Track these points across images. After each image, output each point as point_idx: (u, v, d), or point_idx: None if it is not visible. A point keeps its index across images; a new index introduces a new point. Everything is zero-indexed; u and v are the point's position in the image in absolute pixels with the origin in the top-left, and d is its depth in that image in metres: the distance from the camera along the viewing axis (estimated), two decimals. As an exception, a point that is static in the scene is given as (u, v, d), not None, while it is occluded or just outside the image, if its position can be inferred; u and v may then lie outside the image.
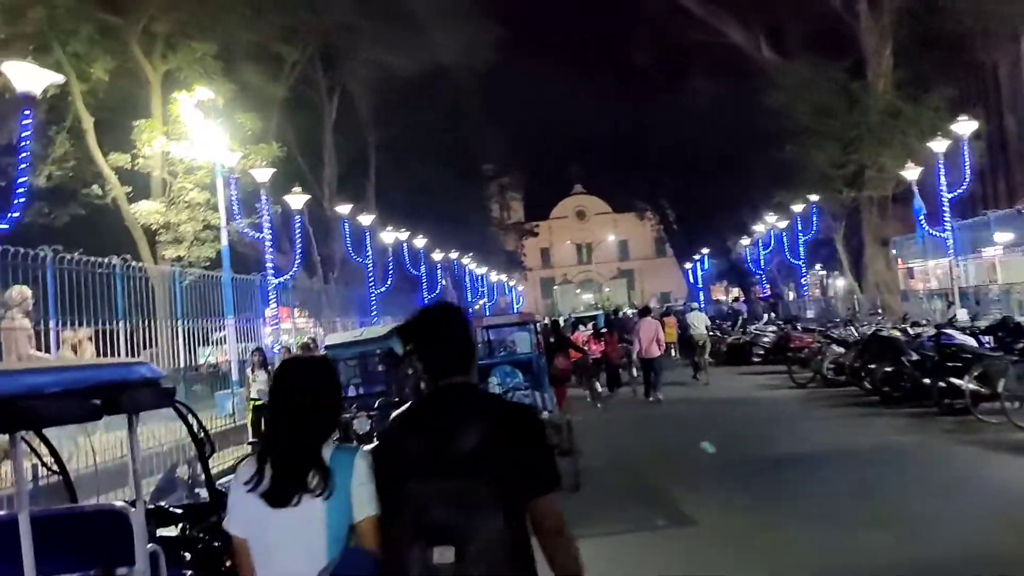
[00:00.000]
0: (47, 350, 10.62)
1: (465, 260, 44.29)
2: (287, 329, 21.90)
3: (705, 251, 53.28)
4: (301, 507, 2.47)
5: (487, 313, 40.14)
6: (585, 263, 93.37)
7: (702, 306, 41.80)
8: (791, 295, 41.10)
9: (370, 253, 25.73)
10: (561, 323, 23.59)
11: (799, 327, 23.59)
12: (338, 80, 26.82)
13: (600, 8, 36.25)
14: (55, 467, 4.93)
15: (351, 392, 11.36)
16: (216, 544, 4.65)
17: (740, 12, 30.51)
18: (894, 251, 28.48)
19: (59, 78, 8.69)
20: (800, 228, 32.53)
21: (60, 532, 3.87)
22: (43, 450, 4.93)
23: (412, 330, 2.69)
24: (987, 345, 12.53)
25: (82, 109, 17.26)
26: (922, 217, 21.69)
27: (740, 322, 30.07)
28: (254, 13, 19.10)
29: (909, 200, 28.96)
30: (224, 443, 12.48)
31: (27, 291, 10.19)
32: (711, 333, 23.43)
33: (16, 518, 2.99)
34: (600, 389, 18.72)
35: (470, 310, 40.40)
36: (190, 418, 4.91)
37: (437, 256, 36.88)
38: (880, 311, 25.36)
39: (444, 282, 38.50)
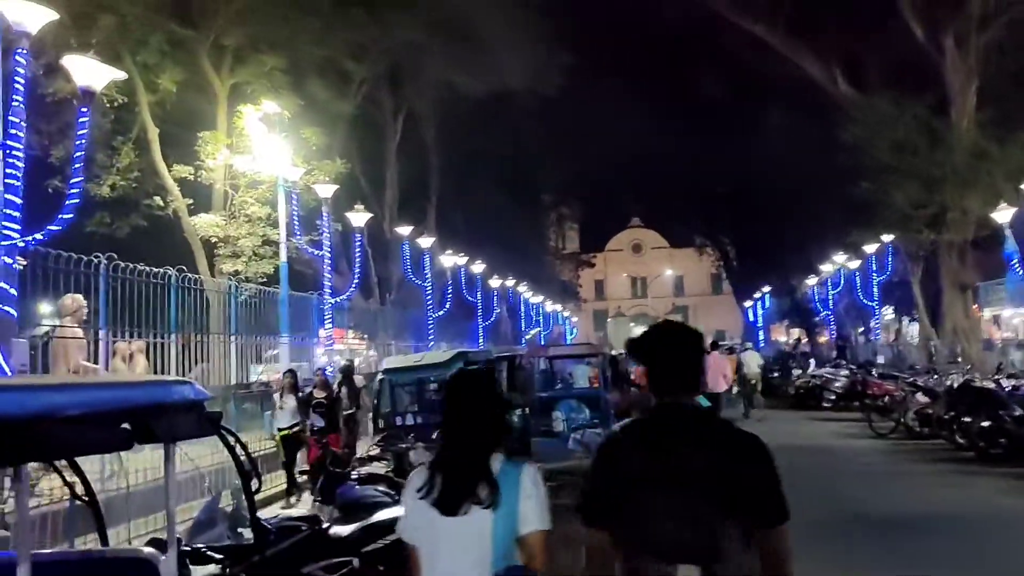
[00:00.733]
0: (98, 362, 10.22)
1: (521, 288, 43.65)
2: (340, 350, 21.48)
3: (767, 289, 51.86)
4: (469, 517, 2.53)
5: (541, 343, 39.37)
6: (639, 297, 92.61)
7: (759, 345, 41.22)
8: (860, 339, 39.49)
9: (428, 276, 25.24)
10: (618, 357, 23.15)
11: (874, 372, 22.32)
12: (404, 101, 26.55)
13: (672, 37, 35.46)
14: (83, 494, 4.33)
15: (409, 420, 10.71)
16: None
17: (817, 45, 29.56)
18: (979, 299, 26.99)
19: (120, 74, 8.33)
20: (874, 269, 31.16)
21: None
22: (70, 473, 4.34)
23: (646, 345, 2.67)
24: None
25: (148, 119, 17.14)
26: (1015, 261, 20.36)
27: (808, 364, 28.87)
28: (324, 28, 18.87)
29: (990, 245, 27.68)
30: (272, 466, 11.91)
31: (81, 299, 9.77)
32: (772, 374, 24.19)
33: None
34: None
35: (524, 339, 39.68)
36: (237, 448, 4.28)
37: (494, 283, 36.30)
38: (959, 359, 23.97)
39: (499, 310, 37.87)
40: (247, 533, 4.88)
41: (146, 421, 2.99)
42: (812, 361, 29.74)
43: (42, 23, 7.23)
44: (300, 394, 11.88)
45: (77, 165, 8.71)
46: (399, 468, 9.28)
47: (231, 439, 4.19)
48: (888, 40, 27.56)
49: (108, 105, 16.44)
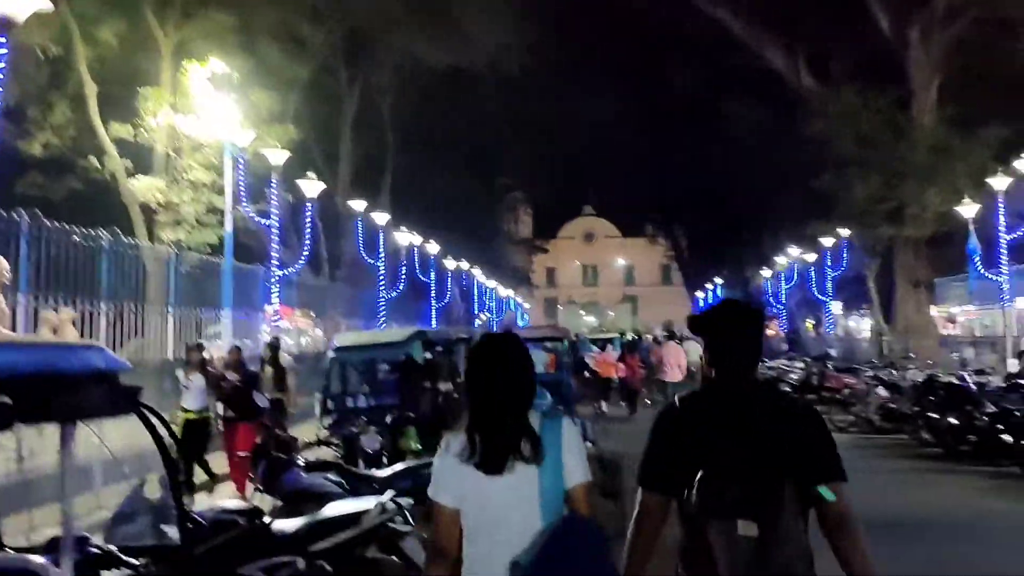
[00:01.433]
0: (18, 331, 9.26)
1: (475, 271, 42.92)
2: (287, 329, 20.58)
3: (719, 281, 51.96)
4: (516, 474, 2.56)
5: (492, 327, 38.75)
6: (590, 285, 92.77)
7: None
8: (811, 332, 39.66)
9: (382, 254, 24.34)
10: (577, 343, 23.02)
11: (830, 366, 22.13)
12: (361, 72, 25.51)
13: (637, 25, 34.97)
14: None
15: (361, 403, 9.97)
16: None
17: (782, 37, 29.34)
18: (936, 295, 27.11)
19: (46, 5, 7.32)
20: (829, 263, 31.14)
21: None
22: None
23: (712, 321, 2.78)
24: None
25: (86, 74, 15.96)
26: (977, 258, 20.29)
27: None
28: (278, -13, 17.85)
29: (947, 242, 27.80)
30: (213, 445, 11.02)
31: (3, 262, 8.83)
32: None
33: None
34: (606, 410, 19.67)
35: (475, 323, 39.02)
36: (161, 430, 3.54)
37: (449, 264, 35.52)
38: (912, 355, 23.99)
39: (452, 292, 37.13)
40: (173, 532, 4.15)
41: (35, 394, 2.29)
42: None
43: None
44: (211, 369, 10.19)
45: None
46: (350, 454, 8.56)
47: (154, 419, 3.44)
48: (853, 33, 27.43)
49: (43, 56, 15.26)
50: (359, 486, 6.56)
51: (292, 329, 21.85)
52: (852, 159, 25.28)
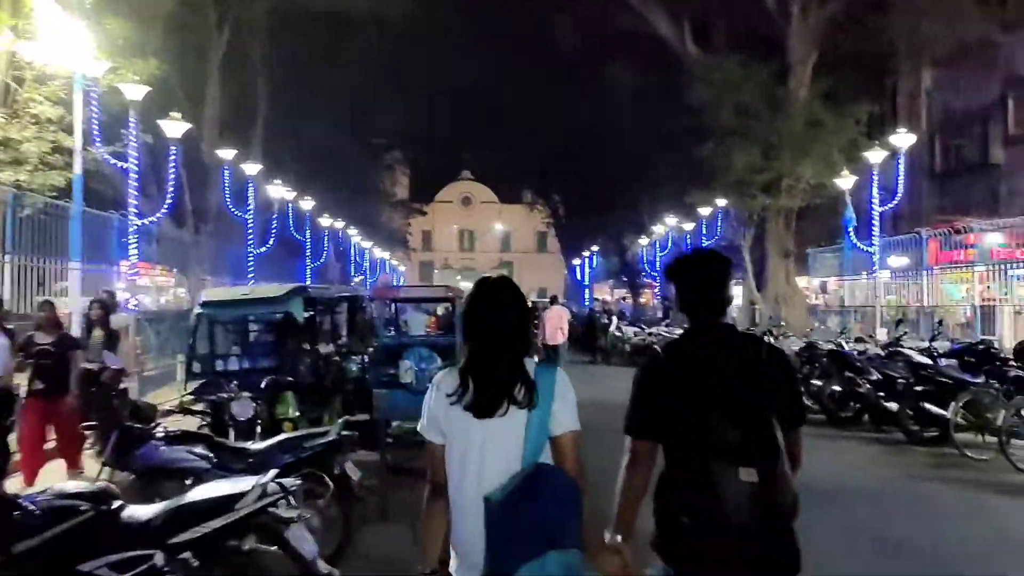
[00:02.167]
0: None
1: (352, 232, 41.45)
2: (145, 286, 19.00)
3: (596, 249, 52.37)
4: (507, 418, 2.60)
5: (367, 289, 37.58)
6: (467, 250, 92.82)
7: (583, 303, 44.19)
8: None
9: (252, 208, 22.75)
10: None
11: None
12: (230, 9, 23.56)
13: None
14: None
15: (232, 365, 8.96)
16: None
17: (668, 3, 29.28)
18: (808, 266, 27.96)
19: None
20: (704, 232, 31.65)
21: None
22: None
23: (684, 268, 2.90)
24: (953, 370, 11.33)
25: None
26: (851, 229, 20.84)
27: (611, 321, 28.93)
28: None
29: (820, 215, 28.71)
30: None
31: None
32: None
33: None
34: None
35: (352, 283, 37.73)
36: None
37: (324, 222, 33.99)
38: (783, 323, 24.64)
39: (328, 251, 35.67)
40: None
41: None
42: (615, 320, 29.61)
43: None
44: (12, 331, 8.23)
45: None
46: (218, 423, 7.61)
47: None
48: (738, 3, 27.68)
49: None
50: (230, 460, 5.69)
51: (152, 287, 20.18)
52: (732, 129, 25.56)
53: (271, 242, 24.96)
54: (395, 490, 7.39)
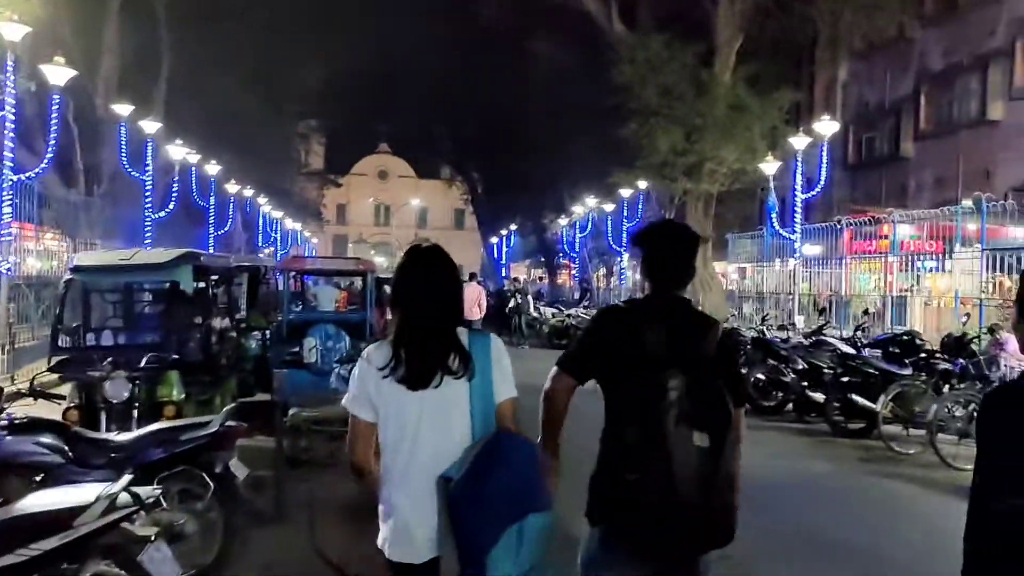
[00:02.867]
0: None
1: (261, 200, 39.69)
2: (30, 249, 17.50)
3: (513, 227, 51.80)
4: (443, 389, 2.52)
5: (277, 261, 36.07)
6: (383, 225, 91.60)
7: (500, 282, 42.97)
8: (603, 282, 40.30)
9: (150, 169, 21.16)
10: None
11: (626, 315, 22.07)
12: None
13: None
14: None
15: (107, 340, 7.93)
16: None
17: (596, -23, 28.71)
18: (728, 251, 27.98)
19: None
20: (626, 215, 31.41)
21: None
22: None
23: (654, 235, 2.94)
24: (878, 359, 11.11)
25: None
26: (774, 215, 20.75)
27: (528, 302, 28.26)
28: None
29: (740, 200, 28.79)
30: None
31: None
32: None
33: None
34: None
35: (261, 254, 36.15)
36: None
37: (231, 189, 32.28)
38: (700, 309, 24.59)
39: (234, 219, 33.98)
40: None
41: None
42: (531, 300, 28.99)
43: None
44: None
45: None
46: (89, 405, 6.64)
47: None
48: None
49: None
50: (89, 454, 4.79)
51: (42, 251, 18.58)
52: (656, 110, 25.29)
53: (171, 207, 23.38)
54: (292, 483, 6.63)
